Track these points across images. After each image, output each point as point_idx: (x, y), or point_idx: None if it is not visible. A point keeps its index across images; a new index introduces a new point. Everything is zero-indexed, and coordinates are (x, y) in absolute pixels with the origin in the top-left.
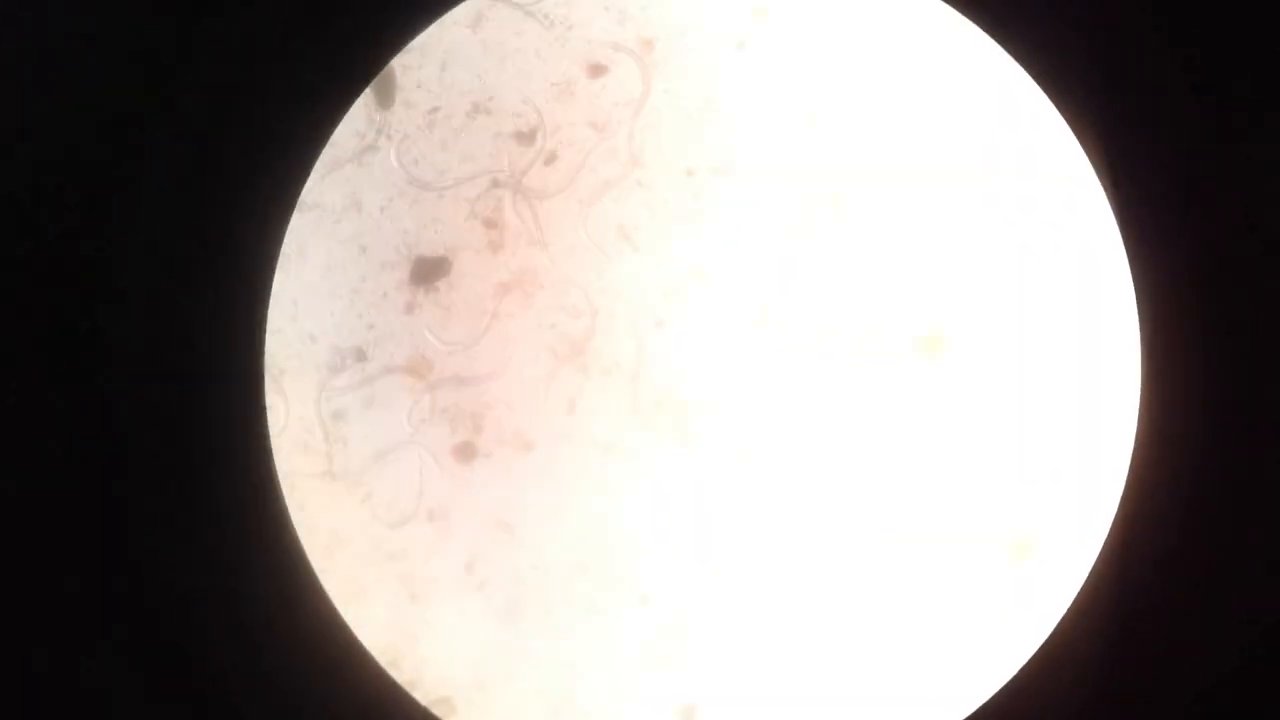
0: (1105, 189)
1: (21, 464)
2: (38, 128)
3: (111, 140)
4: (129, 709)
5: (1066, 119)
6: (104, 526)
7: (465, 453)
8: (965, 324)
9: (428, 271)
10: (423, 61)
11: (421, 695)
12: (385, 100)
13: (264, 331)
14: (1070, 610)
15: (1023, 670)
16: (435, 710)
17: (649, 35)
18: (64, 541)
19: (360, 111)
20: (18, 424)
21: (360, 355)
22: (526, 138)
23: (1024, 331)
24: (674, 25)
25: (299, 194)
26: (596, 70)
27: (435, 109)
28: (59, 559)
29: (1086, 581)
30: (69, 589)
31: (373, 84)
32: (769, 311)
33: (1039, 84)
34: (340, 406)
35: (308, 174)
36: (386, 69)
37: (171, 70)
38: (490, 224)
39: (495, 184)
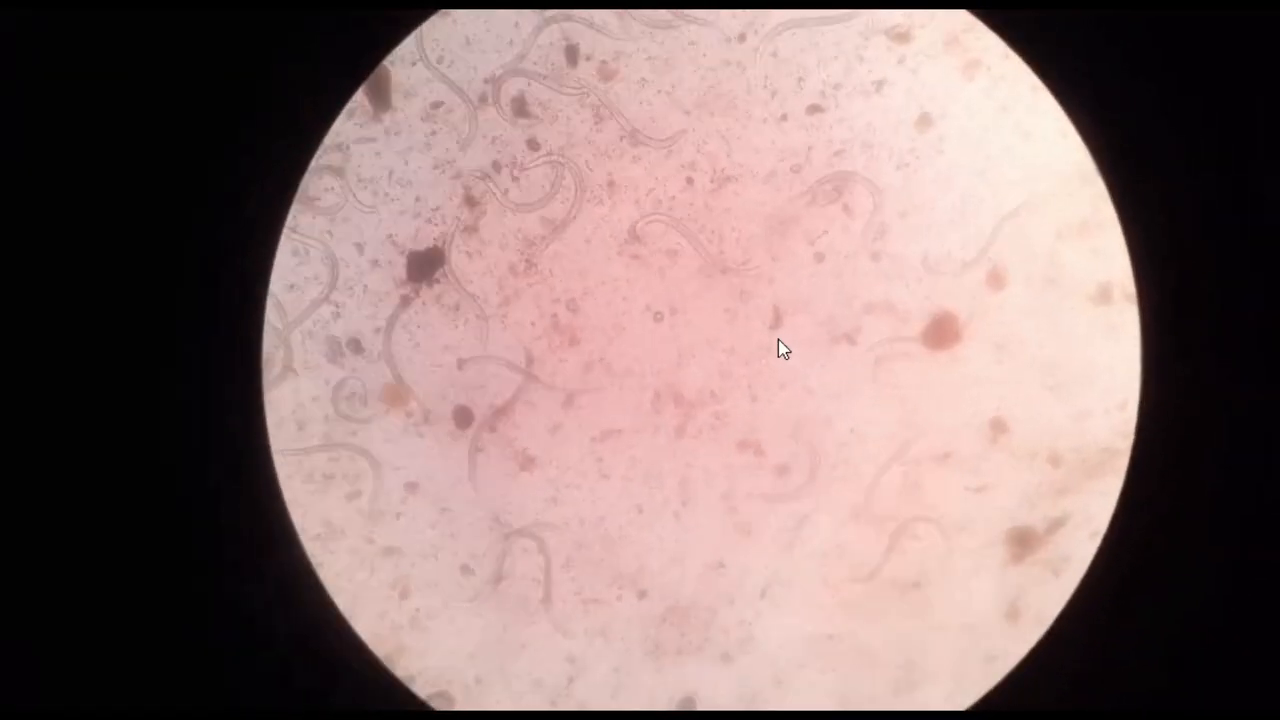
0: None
1: (8, 461)
2: (32, 127)
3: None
4: (121, 707)
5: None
6: (95, 521)
7: (463, 445)
8: (974, 313)
9: (423, 265)
10: (418, 54)
11: (420, 689)
12: (383, 94)
13: (261, 326)
14: (1069, 604)
15: (1021, 664)
16: (434, 704)
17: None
18: (54, 538)
19: (359, 102)
20: (4, 421)
21: (356, 348)
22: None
23: (1026, 320)
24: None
25: (296, 189)
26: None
27: (438, 103)
28: (48, 555)
29: (1085, 576)
30: (57, 586)
31: (370, 79)
32: (773, 305)
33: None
34: (337, 398)
35: (304, 169)
36: (382, 65)
37: (161, 60)
38: (477, 212)
39: (487, 172)
